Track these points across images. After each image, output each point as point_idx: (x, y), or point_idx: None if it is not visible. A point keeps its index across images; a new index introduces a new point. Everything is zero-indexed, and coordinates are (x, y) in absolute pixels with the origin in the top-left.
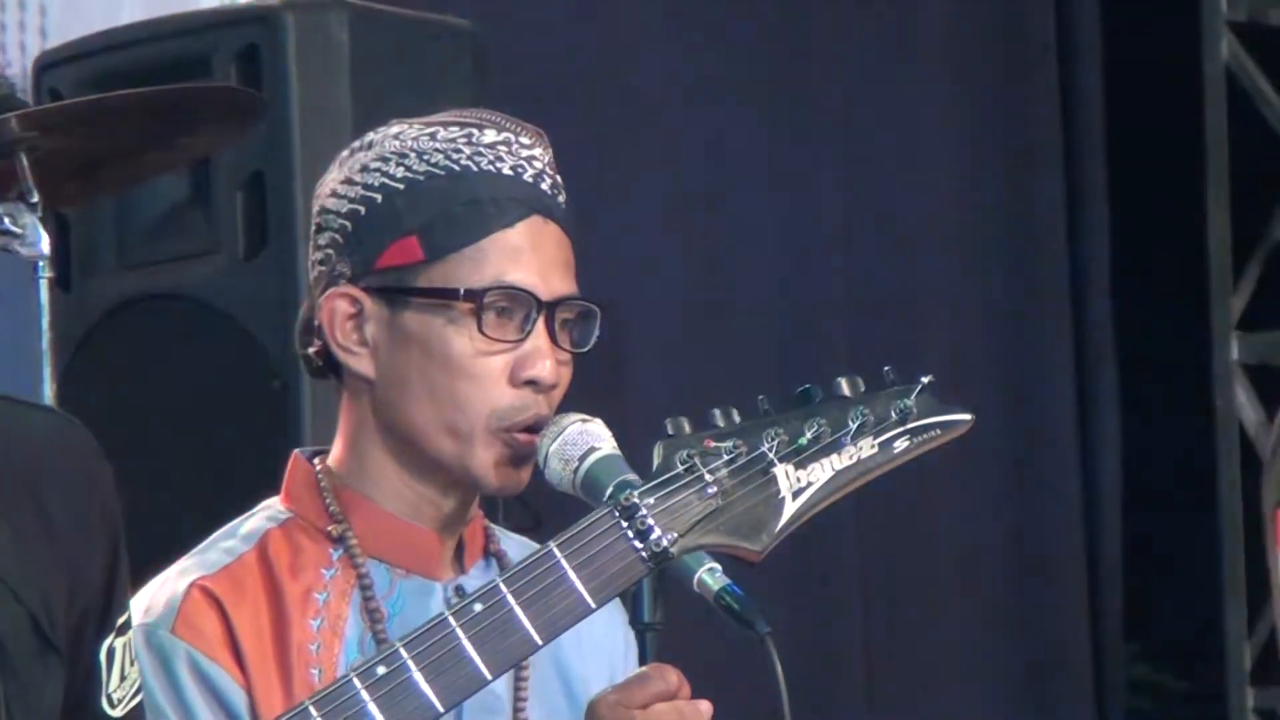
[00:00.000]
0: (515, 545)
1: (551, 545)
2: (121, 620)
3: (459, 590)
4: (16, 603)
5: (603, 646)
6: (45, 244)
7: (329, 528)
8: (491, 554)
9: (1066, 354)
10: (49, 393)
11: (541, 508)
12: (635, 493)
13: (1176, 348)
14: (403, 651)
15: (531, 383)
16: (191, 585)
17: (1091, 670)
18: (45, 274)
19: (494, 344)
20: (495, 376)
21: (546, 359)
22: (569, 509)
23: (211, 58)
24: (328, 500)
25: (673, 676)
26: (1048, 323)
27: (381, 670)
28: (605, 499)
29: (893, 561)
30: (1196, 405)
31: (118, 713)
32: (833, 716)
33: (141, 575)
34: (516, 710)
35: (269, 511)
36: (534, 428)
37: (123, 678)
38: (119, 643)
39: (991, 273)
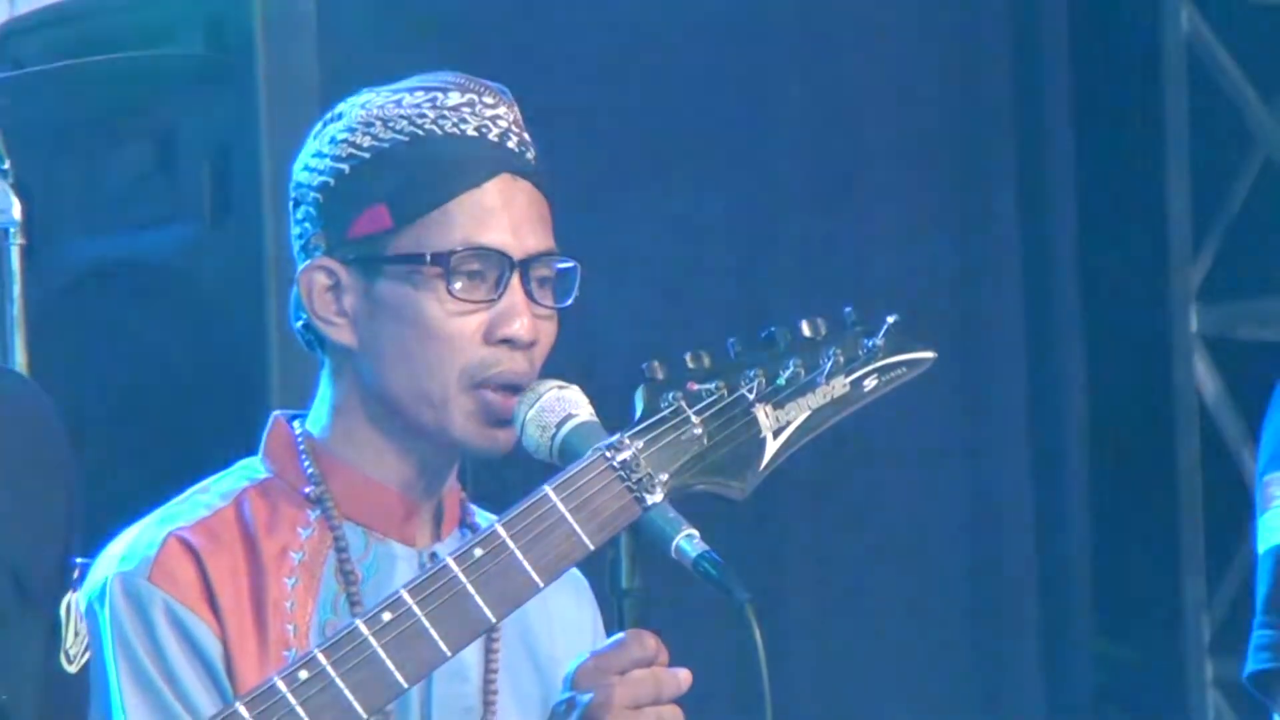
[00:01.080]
0: (489, 521)
1: (546, 489)
2: (75, 576)
3: (433, 557)
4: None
5: (572, 625)
6: (16, 210)
7: (306, 489)
8: (467, 525)
9: (1019, 325)
10: (20, 359)
11: (509, 478)
12: (625, 436)
13: (1135, 319)
14: (407, 597)
15: (508, 341)
16: (169, 535)
17: (1041, 645)
18: (17, 240)
19: (465, 305)
20: (468, 337)
21: (522, 316)
22: (536, 480)
23: (177, 27)
24: (306, 462)
25: (651, 643)
26: (1002, 295)
27: (387, 616)
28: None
29: (834, 531)
30: (1155, 376)
31: (73, 669)
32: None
33: (108, 538)
34: (487, 681)
35: (246, 470)
36: (510, 385)
37: (75, 634)
38: (72, 599)
39: (944, 244)
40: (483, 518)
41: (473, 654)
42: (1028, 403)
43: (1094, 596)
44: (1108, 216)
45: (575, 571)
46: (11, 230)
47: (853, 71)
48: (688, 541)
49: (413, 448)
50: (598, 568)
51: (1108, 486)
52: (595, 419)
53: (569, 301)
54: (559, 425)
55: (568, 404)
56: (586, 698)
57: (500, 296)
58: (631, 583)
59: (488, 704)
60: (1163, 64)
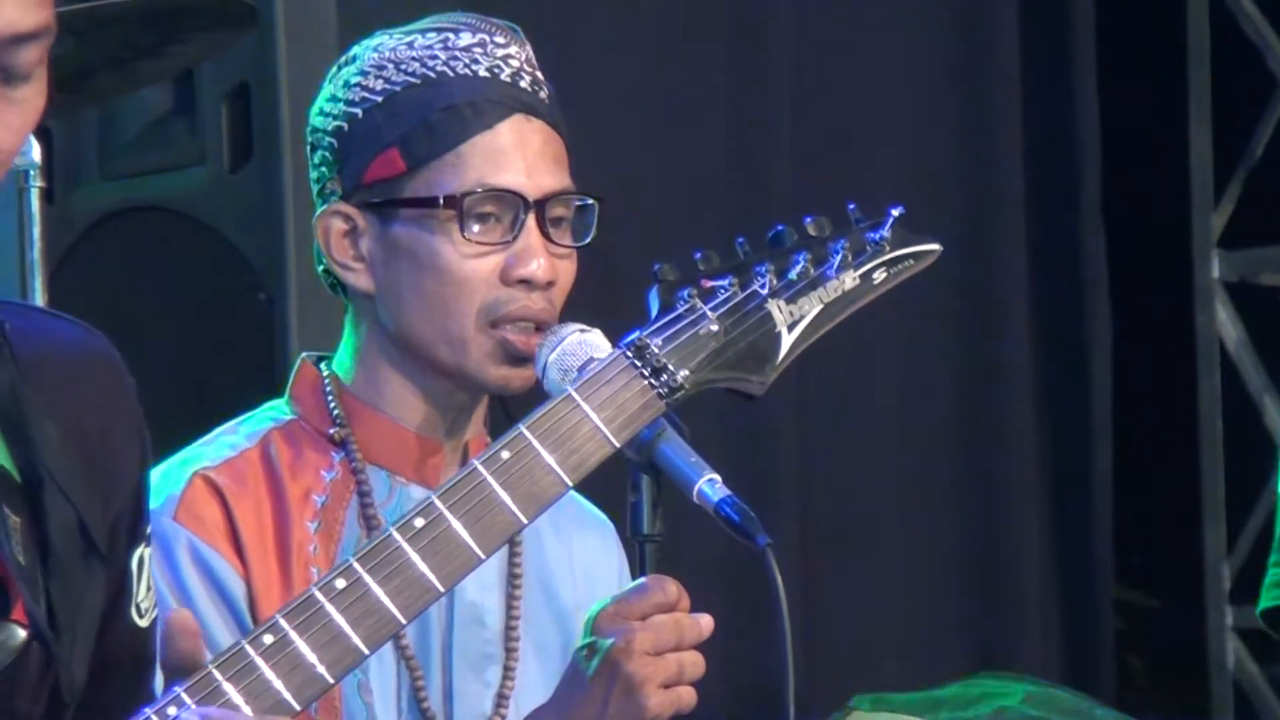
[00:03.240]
0: None
1: (569, 389)
2: (149, 529)
3: None
4: (66, 501)
5: (597, 572)
6: (37, 153)
7: (331, 431)
8: None
9: (1034, 273)
10: (40, 304)
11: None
12: (644, 334)
13: (1157, 265)
14: (439, 503)
15: (525, 282)
16: (194, 474)
17: (1060, 593)
18: (37, 183)
19: (481, 247)
20: (484, 278)
21: (538, 257)
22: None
23: None
24: (332, 404)
25: (672, 588)
26: (1016, 243)
27: (420, 522)
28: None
29: (847, 475)
30: (1177, 322)
31: (144, 622)
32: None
33: None
34: (508, 628)
35: (272, 412)
36: (528, 323)
37: (147, 587)
38: (146, 552)
39: (955, 192)
40: None
41: (494, 601)
42: (1049, 352)
43: (1115, 544)
44: (1130, 163)
45: (602, 517)
46: (31, 173)
47: (859, 16)
48: (710, 486)
49: (434, 389)
50: (618, 512)
51: (1128, 433)
52: None
53: (588, 239)
54: (580, 369)
55: (589, 347)
56: (607, 643)
57: (516, 237)
58: (653, 528)
59: (509, 650)
60: (1185, 8)
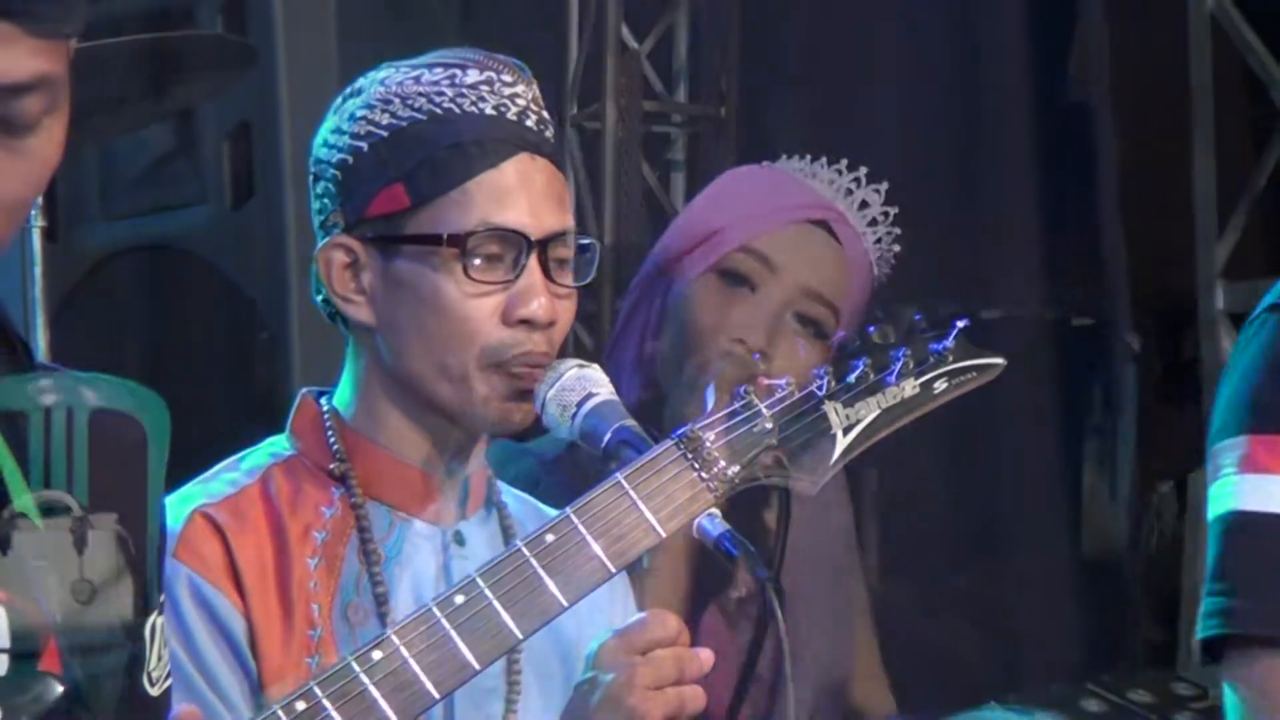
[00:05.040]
0: (515, 499)
1: (619, 477)
2: (162, 598)
3: (458, 536)
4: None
5: (602, 607)
6: None
7: (331, 466)
8: (494, 504)
9: (1042, 301)
10: (42, 343)
11: None
12: (698, 427)
13: (1162, 296)
14: (480, 581)
15: (526, 322)
16: (194, 511)
17: (1086, 628)
18: (38, 223)
19: (483, 286)
20: (486, 317)
21: (539, 297)
22: None
23: (196, 7)
24: (332, 440)
25: (673, 623)
26: (1025, 274)
27: (460, 599)
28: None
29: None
30: (1181, 354)
31: (155, 691)
32: None
33: None
34: (510, 661)
35: (272, 448)
36: (531, 363)
37: (159, 657)
38: (157, 621)
39: (963, 232)
40: (509, 495)
41: None
42: (1062, 378)
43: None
44: (1134, 194)
45: None
46: (33, 213)
47: (860, 52)
48: (710, 520)
49: (434, 425)
50: None
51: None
52: (616, 397)
53: (588, 280)
54: (579, 404)
55: (588, 383)
56: (609, 678)
57: (518, 277)
58: (654, 562)
59: (511, 684)
60: (1188, 40)
